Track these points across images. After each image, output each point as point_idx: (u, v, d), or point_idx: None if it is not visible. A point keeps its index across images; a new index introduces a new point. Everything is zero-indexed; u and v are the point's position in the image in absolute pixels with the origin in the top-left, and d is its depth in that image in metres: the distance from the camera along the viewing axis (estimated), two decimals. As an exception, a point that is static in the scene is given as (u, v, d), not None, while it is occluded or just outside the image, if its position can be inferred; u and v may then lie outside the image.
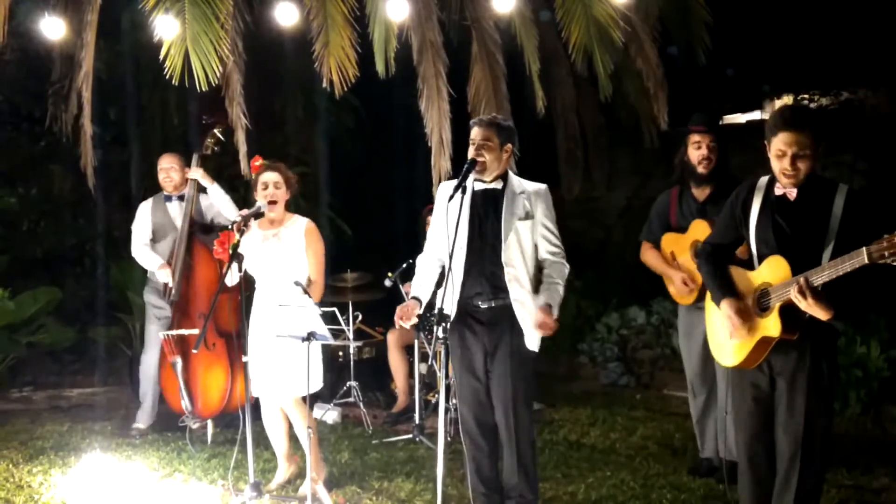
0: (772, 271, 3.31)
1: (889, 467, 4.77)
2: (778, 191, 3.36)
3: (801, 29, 8.30)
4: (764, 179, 3.44)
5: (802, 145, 3.21)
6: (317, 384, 4.54)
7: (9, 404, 6.77)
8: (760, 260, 3.39)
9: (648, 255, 4.88)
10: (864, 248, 2.96)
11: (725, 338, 3.52)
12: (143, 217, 5.93)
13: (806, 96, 8.74)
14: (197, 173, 5.76)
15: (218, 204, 5.81)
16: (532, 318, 3.97)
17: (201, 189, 5.87)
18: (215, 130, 5.82)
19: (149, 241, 5.87)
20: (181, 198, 5.86)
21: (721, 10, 6.85)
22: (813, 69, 8.61)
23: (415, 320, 3.99)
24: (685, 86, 7.18)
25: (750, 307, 3.39)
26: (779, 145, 3.24)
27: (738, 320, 3.37)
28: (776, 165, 3.29)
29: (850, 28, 8.09)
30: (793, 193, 3.32)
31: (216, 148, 5.92)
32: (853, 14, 8.04)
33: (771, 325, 3.29)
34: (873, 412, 5.73)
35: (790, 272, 3.21)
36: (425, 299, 4.12)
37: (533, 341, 4.02)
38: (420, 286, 4.15)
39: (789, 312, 3.23)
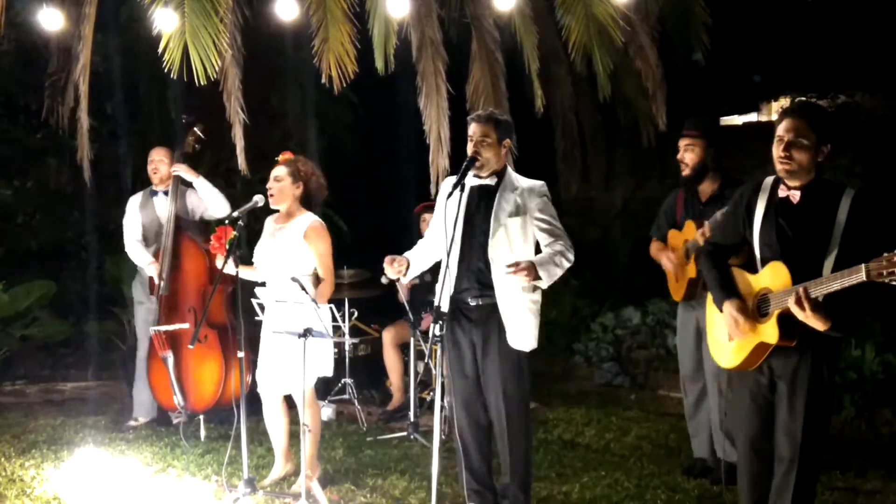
0: (772, 277, 3.29)
1: (882, 469, 4.79)
2: (782, 193, 3.34)
3: (799, 32, 8.33)
4: (769, 180, 3.42)
5: (800, 132, 3.23)
6: (326, 370, 4.57)
7: (2, 397, 6.76)
8: (763, 262, 3.37)
9: (653, 248, 4.93)
10: (862, 266, 2.92)
11: (725, 339, 3.51)
12: (133, 212, 5.93)
13: (803, 99, 8.74)
14: (179, 169, 5.74)
15: (206, 197, 5.79)
16: (518, 318, 3.97)
17: (187, 185, 5.85)
18: (195, 129, 5.82)
19: (140, 238, 5.86)
20: (167, 192, 5.84)
21: (719, 12, 6.85)
22: (811, 72, 8.64)
23: (395, 273, 4.11)
24: (683, 87, 7.19)
25: (750, 310, 3.38)
26: (779, 132, 3.29)
27: (742, 321, 3.34)
28: (774, 153, 3.31)
29: (848, 32, 8.12)
30: (796, 196, 3.31)
31: (197, 146, 5.95)
32: (851, 18, 8.07)
33: (769, 332, 3.27)
34: (867, 415, 5.75)
35: (790, 280, 3.20)
36: (413, 263, 4.18)
37: (520, 341, 3.99)
38: (413, 253, 4.22)
39: (787, 320, 3.21)
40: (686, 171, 4.63)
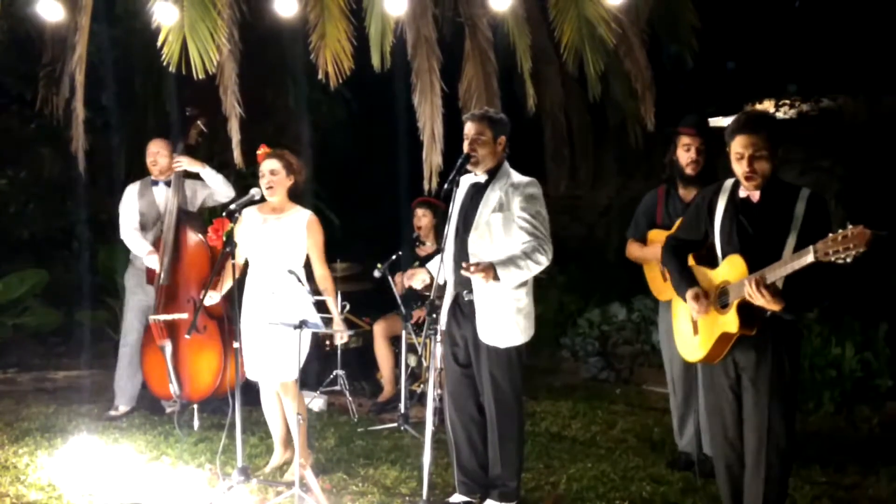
0: (730, 270, 3.46)
1: (860, 465, 4.89)
2: (742, 193, 3.50)
3: (782, 36, 8.45)
4: (729, 182, 3.59)
5: (758, 146, 3.37)
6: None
7: (-7, 385, 6.79)
8: (724, 259, 3.53)
9: (633, 249, 4.89)
10: (811, 247, 3.10)
11: (690, 334, 3.68)
12: (131, 200, 5.96)
13: (787, 101, 8.88)
14: (182, 161, 5.80)
15: (213, 185, 5.87)
16: (493, 314, 4.03)
17: (188, 176, 5.90)
18: (199, 122, 5.88)
19: (138, 226, 5.90)
20: (168, 183, 5.89)
21: (707, 15, 6.95)
22: (794, 75, 8.77)
23: (418, 282, 4.32)
24: (669, 88, 7.29)
25: (711, 304, 3.54)
26: (737, 148, 3.42)
27: (702, 303, 3.53)
28: (736, 168, 3.45)
29: (832, 37, 8.24)
30: (756, 196, 3.46)
31: (200, 138, 6.01)
32: (835, 23, 8.19)
33: (730, 322, 3.43)
34: (846, 411, 5.87)
35: (747, 271, 3.36)
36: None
37: (493, 337, 4.03)
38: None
39: (747, 309, 3.38)
40: (697, 170, 4.60)
